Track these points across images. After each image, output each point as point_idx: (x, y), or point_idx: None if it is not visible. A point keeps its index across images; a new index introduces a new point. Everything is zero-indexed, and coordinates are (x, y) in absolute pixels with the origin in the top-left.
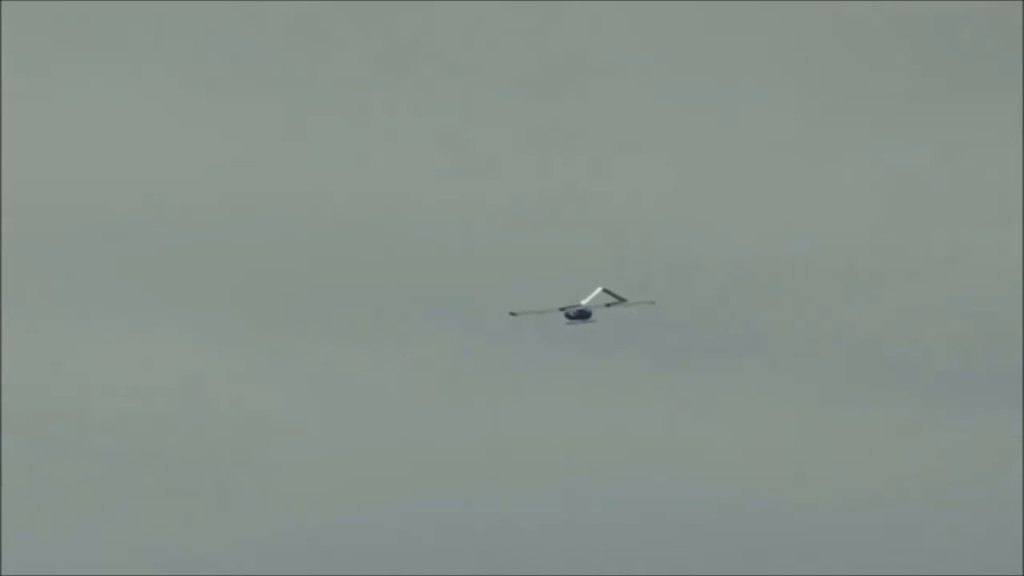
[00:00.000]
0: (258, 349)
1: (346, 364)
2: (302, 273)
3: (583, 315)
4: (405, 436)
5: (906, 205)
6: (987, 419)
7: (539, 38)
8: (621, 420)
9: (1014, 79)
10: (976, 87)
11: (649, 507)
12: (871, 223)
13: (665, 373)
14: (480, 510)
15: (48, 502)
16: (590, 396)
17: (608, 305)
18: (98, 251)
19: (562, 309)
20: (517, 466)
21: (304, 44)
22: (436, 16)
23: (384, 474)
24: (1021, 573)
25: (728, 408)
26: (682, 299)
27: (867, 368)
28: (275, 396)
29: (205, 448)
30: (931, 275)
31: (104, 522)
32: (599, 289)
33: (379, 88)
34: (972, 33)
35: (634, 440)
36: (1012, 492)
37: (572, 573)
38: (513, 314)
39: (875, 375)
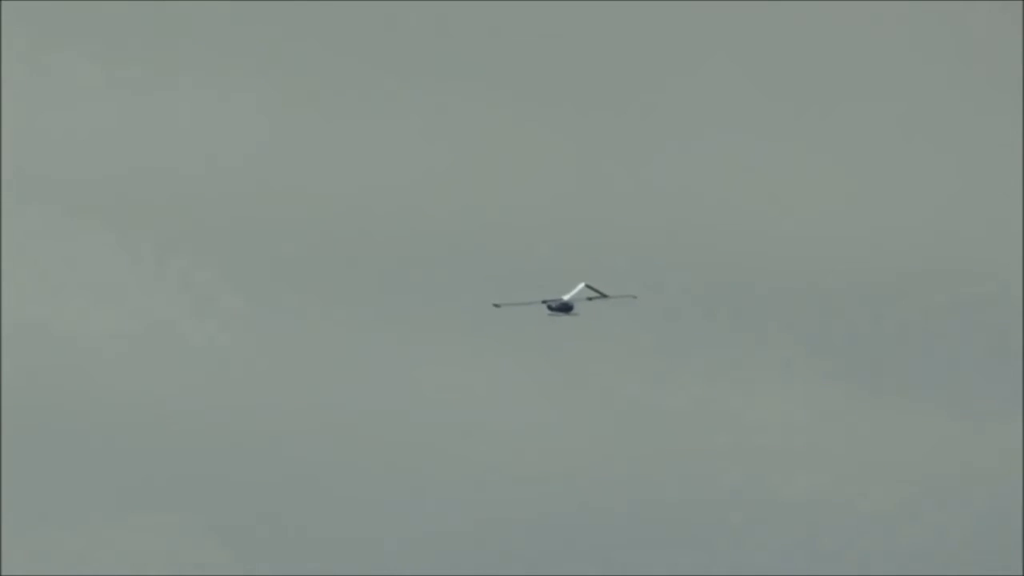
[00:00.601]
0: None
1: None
2: (301, 259)
3: (565, 308)
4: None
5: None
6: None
7: (540, 40)
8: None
9: None
10: None
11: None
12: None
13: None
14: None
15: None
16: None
17: (589, 299)
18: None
19: (545, 301)
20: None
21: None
22: (434, 16)
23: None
24: (1021, 573)
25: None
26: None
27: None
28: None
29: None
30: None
31: (112, 520)
32: (582, 284)
33: (380, 88)
34: None
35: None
36: None
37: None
38: (496, 306)
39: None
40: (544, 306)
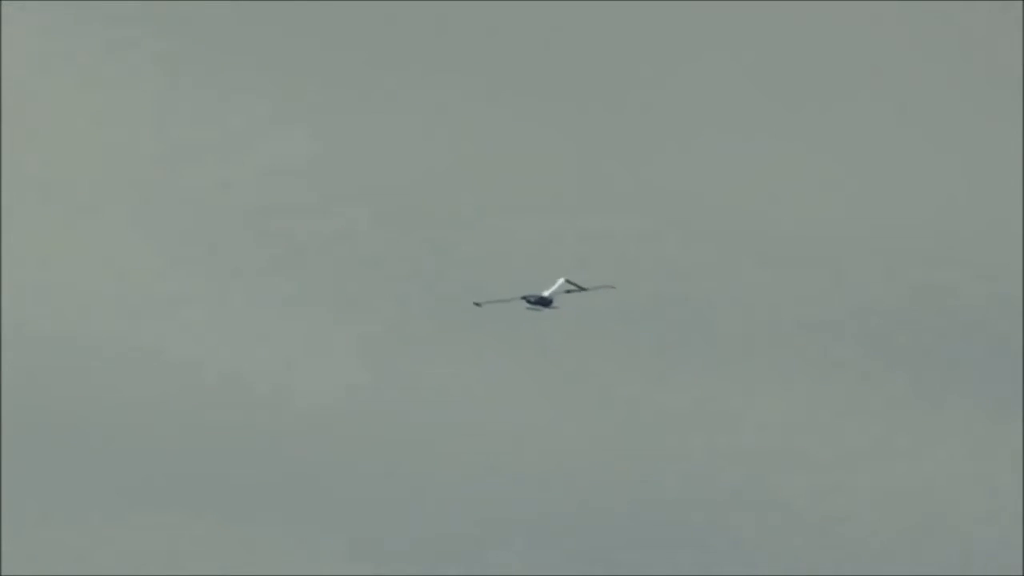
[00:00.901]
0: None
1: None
2: (299, 258)
3: (543, 302)
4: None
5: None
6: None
7: (540, 40)
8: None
9: None
10: None
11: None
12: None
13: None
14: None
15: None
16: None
17: (568, 292)
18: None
19: (524, 297)
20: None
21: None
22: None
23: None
24: (1021, 573)
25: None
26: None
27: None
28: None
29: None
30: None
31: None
32: (562, 279)
33: (380, 86)
34: None
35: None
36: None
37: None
38: (477, 304)
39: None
40: (523, 301)
